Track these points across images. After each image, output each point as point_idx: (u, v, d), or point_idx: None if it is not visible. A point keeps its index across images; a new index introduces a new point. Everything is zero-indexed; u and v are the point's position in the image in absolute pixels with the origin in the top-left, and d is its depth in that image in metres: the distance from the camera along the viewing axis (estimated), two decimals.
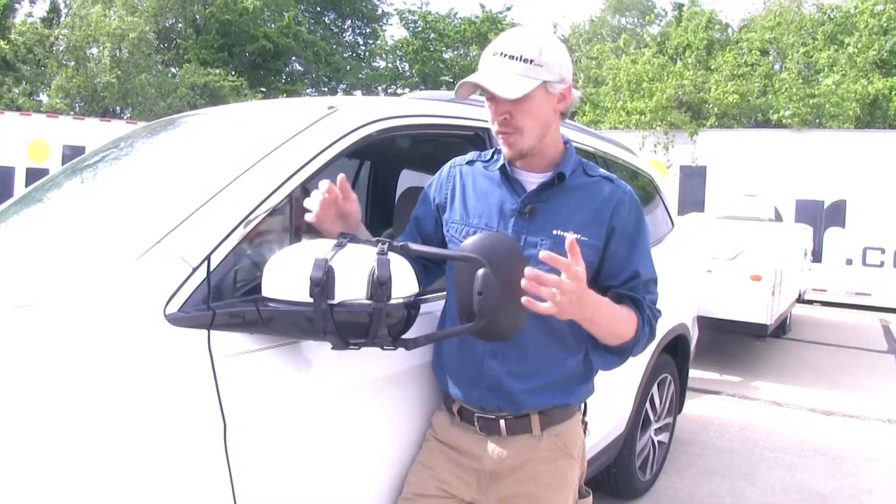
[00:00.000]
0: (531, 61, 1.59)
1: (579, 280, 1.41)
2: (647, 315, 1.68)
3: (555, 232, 1.67)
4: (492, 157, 1.83)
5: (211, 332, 1.40)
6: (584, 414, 1.90)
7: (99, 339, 1.27)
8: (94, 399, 1.21)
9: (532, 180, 1.74)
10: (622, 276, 1.69)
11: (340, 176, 1.68)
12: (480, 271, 1.38)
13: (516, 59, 1.59)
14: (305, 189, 1.72)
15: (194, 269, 1.41)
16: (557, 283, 1.39)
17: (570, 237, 1.42)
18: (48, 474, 1.14)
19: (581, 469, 1.87)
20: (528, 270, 1.38)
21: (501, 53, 1.60)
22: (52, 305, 1.29)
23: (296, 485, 1.54)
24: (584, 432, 1.89)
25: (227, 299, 1.49)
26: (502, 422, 1.74)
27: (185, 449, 1.32)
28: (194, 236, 1.46)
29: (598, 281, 1.69)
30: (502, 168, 1.75)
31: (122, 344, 1.28)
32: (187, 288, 1.39)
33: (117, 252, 1.42)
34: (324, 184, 1.64)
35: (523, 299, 1.40)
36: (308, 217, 1.66)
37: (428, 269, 1.87)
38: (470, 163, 1.86)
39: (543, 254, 1.38)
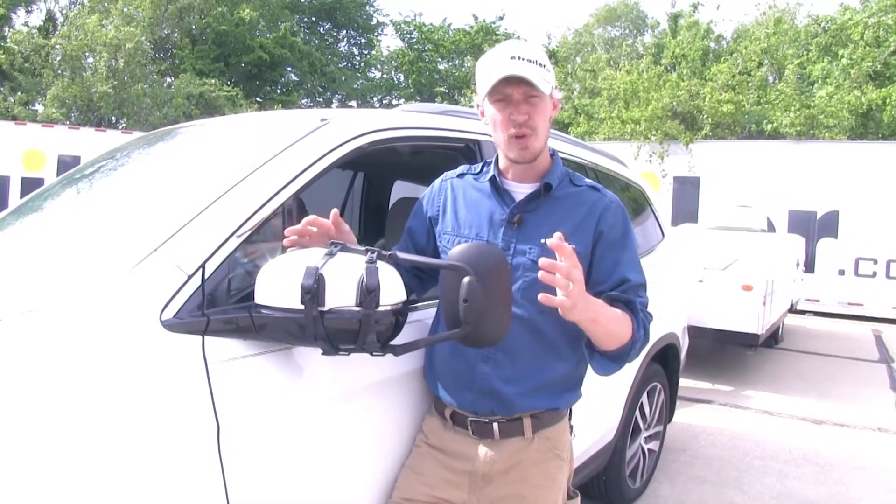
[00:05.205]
0: (544, 66, 1.69)
1: (579, 281, 1.47)
2: (641, 318, 1.73)
3: (543, 241, 1.71)
4: (481, 169, 1.89)
5: (205, 337, 1.44)
6: (570, 417, 1.94)
7: (98, 343, 1.30)
8: (93, 401, 1.25)
9: (521, 191, 1.80)
10: (611, 281, 1.73)
11: (334, 211, 1.70)
12: (466, 279, 1.41)
13: (533, 62, 1.67)
14: (299, 199, 1.75)
15: (189, 277, 1.45)
16: (567, 270, 1.44)
17: (556, 239, 1.45)
18: (47, 474, 1.17)
19: (569, 470, 1.91)
20: (541, 261, 1.44)
21: (518, 57, 1.67)
22: (53, 311, 1.33)
23: (288, 486, 1.57)
24: (571, 434, 1.93)
25: (221, 306, 1.53)
26: (495, 425, 1.78)
27: (179, 450, 1.35)
28: (189, 245, 1.49)
29: (589, 287, 1.72)
30: (492, 179, 1.80)
31: (120, 348, 1.32)
32: (182, 295, 1.43)
33: (116, 260, 1.46)
34: (310, 220, 1.64)
35: (540, 296, 1.45)
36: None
37: (422, 279, 1.91)
38: (460, 176, 1.91)
39: (542, 261, 1.44)
